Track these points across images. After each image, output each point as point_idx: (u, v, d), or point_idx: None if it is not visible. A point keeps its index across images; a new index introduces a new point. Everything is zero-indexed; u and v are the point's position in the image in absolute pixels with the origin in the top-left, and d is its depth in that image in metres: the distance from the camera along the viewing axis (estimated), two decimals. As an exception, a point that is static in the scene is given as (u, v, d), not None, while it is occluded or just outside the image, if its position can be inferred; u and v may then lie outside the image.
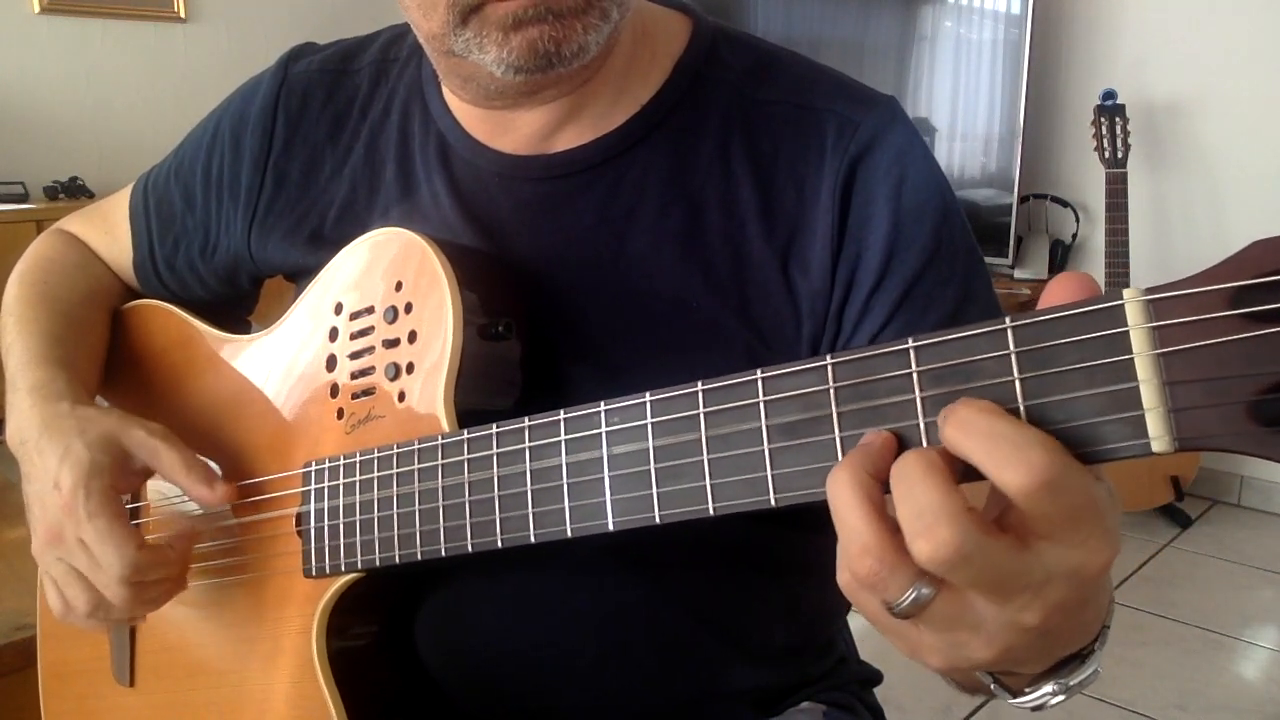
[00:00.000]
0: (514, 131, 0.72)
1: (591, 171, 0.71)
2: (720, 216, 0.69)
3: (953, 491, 0.37)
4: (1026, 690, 0.49)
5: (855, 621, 0.92)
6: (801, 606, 0.79)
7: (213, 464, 0.79)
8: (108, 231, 0.93)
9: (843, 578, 0.41)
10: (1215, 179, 2.94)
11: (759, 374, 0.46)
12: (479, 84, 0.67)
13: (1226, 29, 2.86)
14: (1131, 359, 0.36)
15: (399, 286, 0.67)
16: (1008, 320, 0.39)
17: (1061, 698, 0.48)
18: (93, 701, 0.88)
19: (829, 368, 0.43)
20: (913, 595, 0.39)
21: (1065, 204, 3.19)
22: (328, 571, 0.68)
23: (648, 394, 0.50)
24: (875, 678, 0.87)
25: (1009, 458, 0.36)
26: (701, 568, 0.72)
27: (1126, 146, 2.80)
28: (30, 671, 0.96)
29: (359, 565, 0.66)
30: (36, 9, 3.17)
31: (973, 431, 0.37)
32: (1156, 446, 0.36)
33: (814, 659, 0.82)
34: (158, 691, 0.83)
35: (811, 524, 0.61)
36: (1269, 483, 2.99)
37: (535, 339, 0.68)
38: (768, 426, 0.46)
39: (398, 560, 0.63)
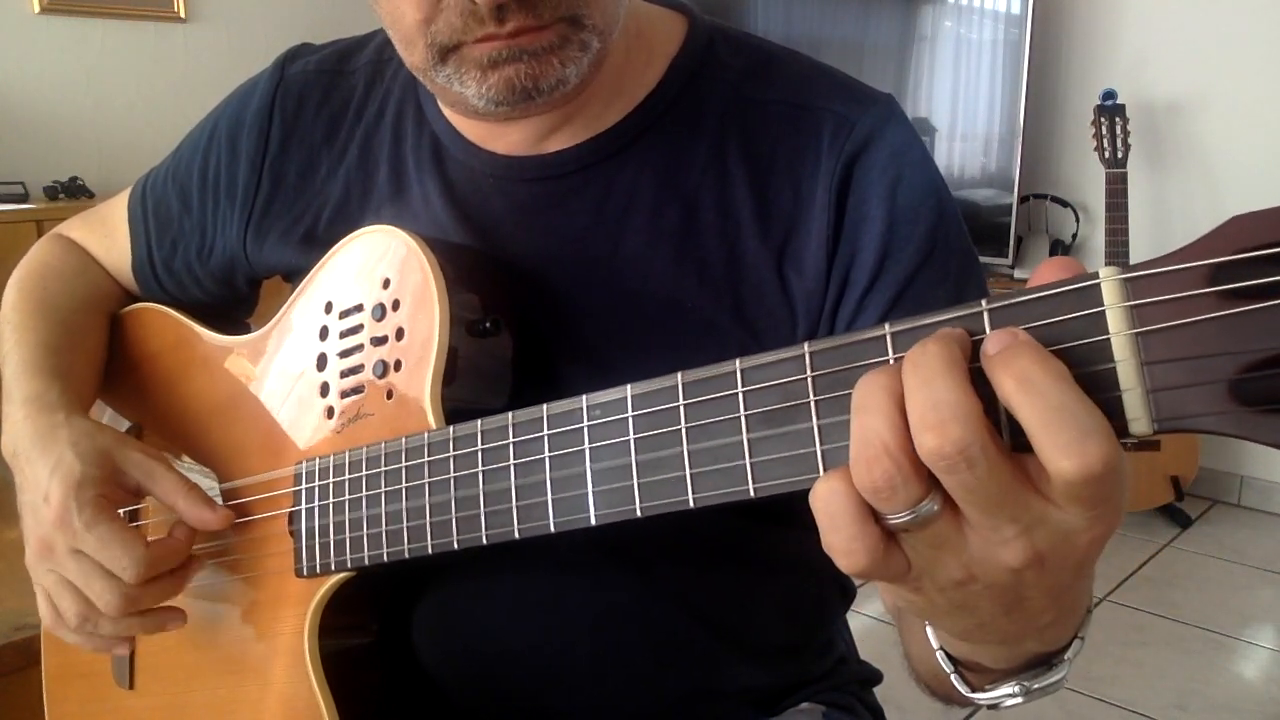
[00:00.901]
0: (508, 134, 0.72)
1: (585, 172, 0.71)
2: (715, 216, 0.69)
3: (971, 393, 0.36)
4: (987, 687, 0.48)
5: (855, 621, 0.92)
6: (798, 605, 0.79)
7: (211, 472, 0.79)
8: (107, 235, 0.93)
9: (839, 488, 0.38)
10: (1215, 178, 2.94)
11: (737, 364, 0.46)
12: (465, 106, 0.67)
13: (1226, 28, 2.86)
14: (1108, 339, 0.36)
15: (386, 284, 0.66)
16: (984, 303, 0.39)
17: (1019, 700, 0.47)
18: (95, 704, 0.88)
19: (807, 356, 0.43)
20: (927, 507, 0.37)
21: (1065, 204, 3.19)
22: (318, 571, 0.68)
23: (629, 387, 0.50)
24: (875, 678, 0.87)
25: (1071, 444, 0.34)
26: (693, 566, 0.71)
27: (1126, 146, 2.80)
28: (31, 671, 0.96)
29: (349, 564, 0.65)
30: (36, 9, 3.17)
31: (1037, 397, 0.35)
32: (1135, 428, 0.35)
33: (813, 658, 0.82)
34: (157, 693, 0.83)
35: (804, 521, 0.61)
36: (1269, 483, 2.99)
37: (529, 339, 0.68)
38: (746, 416, 0.45)
39: (386, 559, 0.62)
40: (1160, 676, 2.17)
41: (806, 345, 0.43)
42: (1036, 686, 0.46)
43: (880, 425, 0.37)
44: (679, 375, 0.48)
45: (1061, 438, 0.34)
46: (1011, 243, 3.08)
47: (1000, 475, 0.36)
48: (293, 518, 0.70)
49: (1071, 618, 0.45)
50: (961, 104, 3.19)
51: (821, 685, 0.81)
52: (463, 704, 0.74)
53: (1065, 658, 0.47)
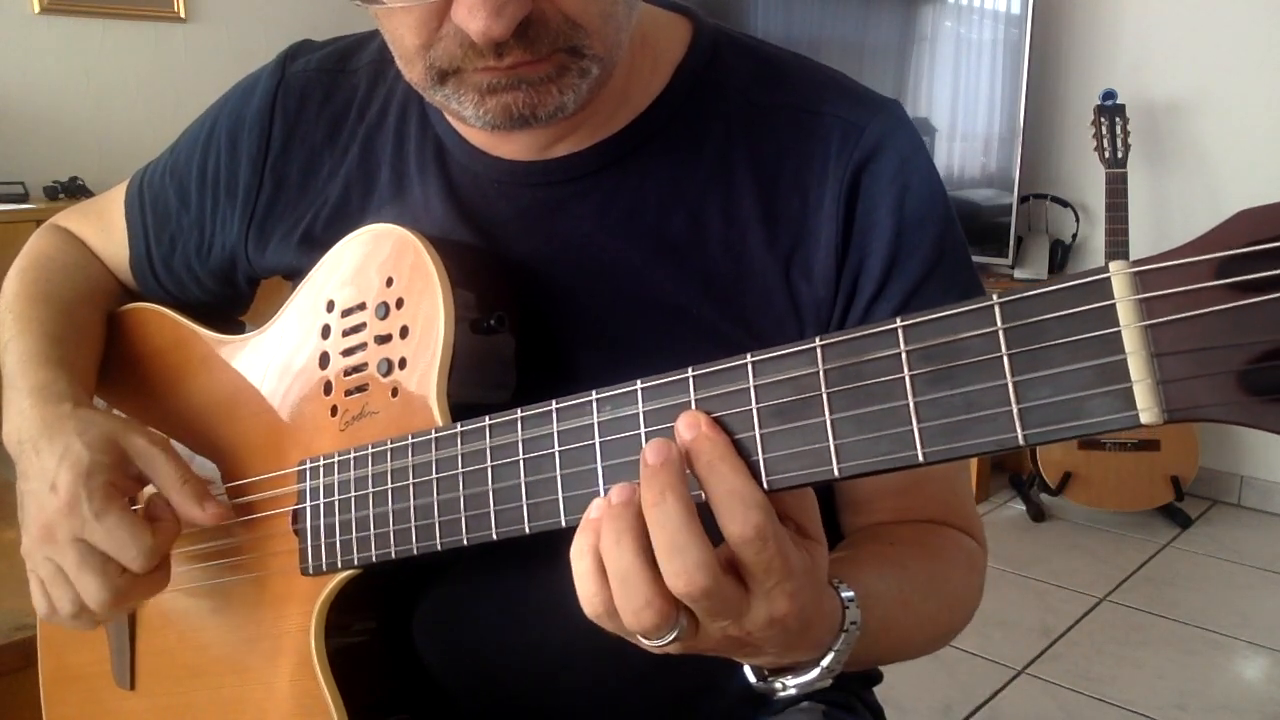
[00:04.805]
0: (512, 140, 0.71)
1: (589, 178, 0.71)
2: (721, 223, 0.69)
3: (705, 541, 0.45)
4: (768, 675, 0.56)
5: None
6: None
7: (211, 463, 0.79)
8: (104, 229, 0.93)
9: (610, 623, 0.49)
10: (1215, 179, 2.94)
11: (749, 358, 0.46)
12: (463, 121, 0.67)
13: (1226, 29, 2.86)
14: (1119, 331, 0.36)
15: (390, 282, 0.66)
16: (995, 297, 0.39)
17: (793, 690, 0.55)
18: (94, 706, 0.88)
19: (818, 350, 0.44)
20: (674, 633, 0.47)
21: (1065, 204, 3.19)
22: (324, 569, 0.68)
23: (639, 381, 0.50)
24: (875, 677, 0.87)
25: (735, 511, 0.45)
26: None
27: (1126, 146, 2.80)
28: (31, 671, 0.96)
29: (356, 562, 0.65)
30: (36, 9, 3.17)
31: (714, 480, 0.46)
32: (1145, 418, 0.36)
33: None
34: (159, 694, 0.83)
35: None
36: (1269, 483, 2.99)
37: (532, 337, 0.68)
38: (758, 410, 0.46)
39: (394, 556, 0.62)
40: (1160, 676, 2.17)
41: (818, 339, 0.44)
42: (796, 679, 0.55)
43: (642, 585, 0.46)
44: (689, 369, 0.48)
45: (729, 509, 0.45)
46: (1011, 243, 3.08)
47: (725, 593, 0.46)
48: (296, 516, 0.70)
49: (805, 647, 0.53)
50: (961, 104, 3.19)
51: (821, 683, 0.81)
52: (468, 700, 0.74)
53: (820, 662, 0.54)
